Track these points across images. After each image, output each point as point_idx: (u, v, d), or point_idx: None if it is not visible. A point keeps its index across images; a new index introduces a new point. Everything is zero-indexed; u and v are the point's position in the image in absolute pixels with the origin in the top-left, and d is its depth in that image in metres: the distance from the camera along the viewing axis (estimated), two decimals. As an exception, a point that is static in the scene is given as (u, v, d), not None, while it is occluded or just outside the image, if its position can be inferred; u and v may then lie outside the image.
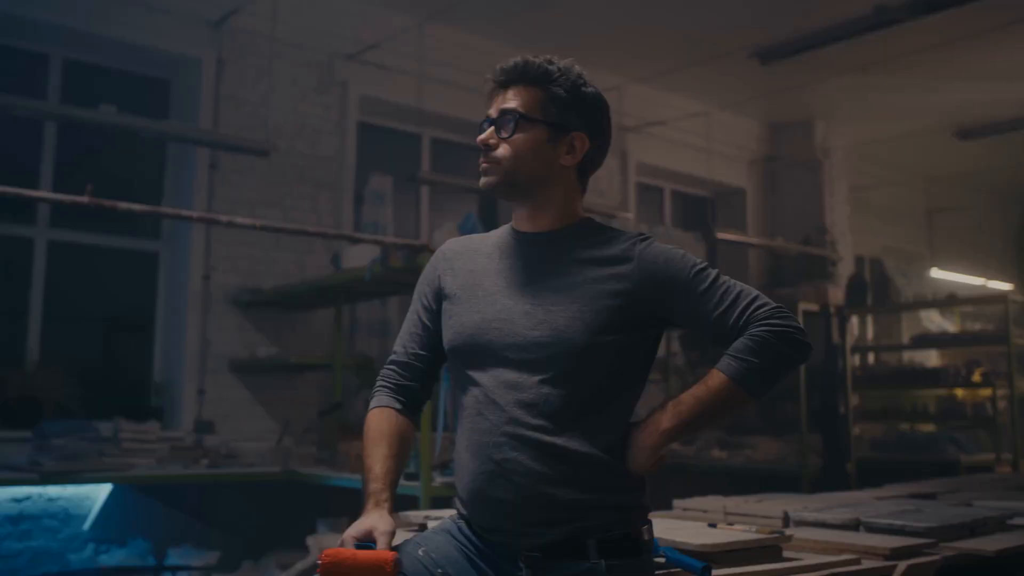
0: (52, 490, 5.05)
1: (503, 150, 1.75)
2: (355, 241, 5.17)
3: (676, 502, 3.24)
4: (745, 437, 6.96)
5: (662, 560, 2.11)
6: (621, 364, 1.71)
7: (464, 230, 4.94)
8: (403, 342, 1.89)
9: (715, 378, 1.68)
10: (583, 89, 1.79)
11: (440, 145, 7.01)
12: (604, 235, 1.79)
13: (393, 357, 1.89)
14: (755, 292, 1.72)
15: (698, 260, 1.74)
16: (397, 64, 6.24)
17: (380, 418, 1.81)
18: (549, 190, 1.79)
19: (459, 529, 1.76)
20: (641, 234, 1.78)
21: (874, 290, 8.68)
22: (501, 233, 1.89)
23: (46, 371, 5.28)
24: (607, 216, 7.28)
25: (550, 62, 1.77)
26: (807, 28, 6.00)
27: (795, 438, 6.01)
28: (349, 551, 1.52)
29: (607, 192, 7.60)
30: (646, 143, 7.89)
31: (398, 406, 1.83)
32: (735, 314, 1.68)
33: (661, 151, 8.03)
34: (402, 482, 3.98)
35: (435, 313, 1.86)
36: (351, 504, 1.65)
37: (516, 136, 1.75)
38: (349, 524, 1.69)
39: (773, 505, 3.02)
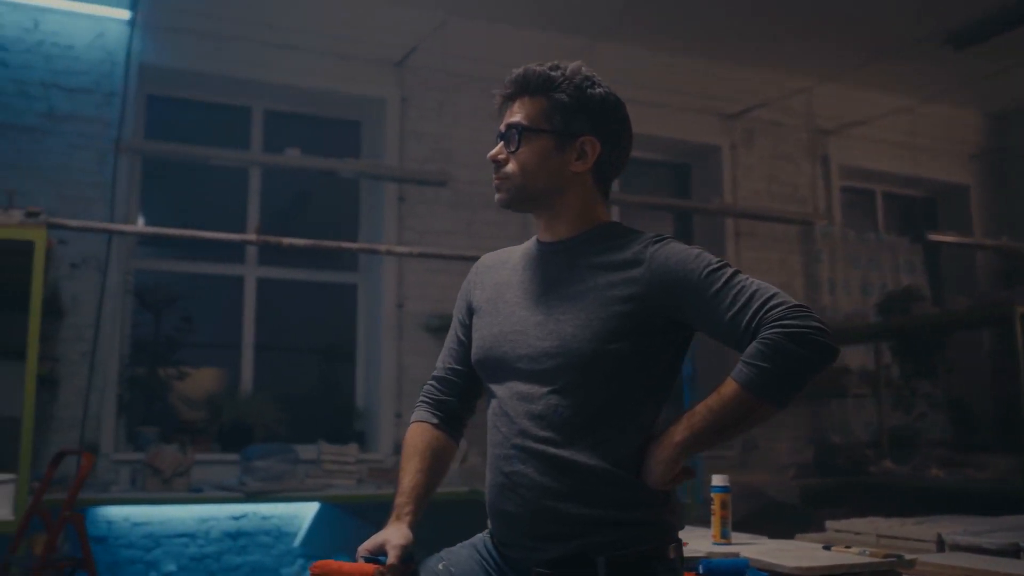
0: (265, 508, 5.45)
1: (512, 165, 1.74)
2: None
3: (829, 523, 3.03)
4: (972, 454, 6.36)
5: (745, 583, 2.00)
6: (636, 373, 1.63)
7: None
8: (442, 358, 1.91)
9: (728, 387, 1.56)
10: (589, 91, 1.73)
11: (632, 164, 6.93)
12: (622, 239, 1.72)
13: (434, 373, 1.92)
14: (773, 291, 1.58)
15: (714, 259, 1.63)
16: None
17: (415, 433, 1.84)
18: (563, 198, 1.75)
19: (483, 543, 1.75)
20: (657, 235, 1.69)
21: None
22: (528, 244, 1.87)
23: (257, 398, 5.72)
24: (806, 224, 6.96)
25: (554, 68, 1.74)
26: (1000, 5, 5.44)
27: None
28: (336, 564, 1.56)
29: (807, 199, 7.26)
30: (848, 145, 7.45)
31: (435, 420, 1.85)
32: (748, 316, 1.55)
33: (867, 152, 7.54)
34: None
35: (468, 327, 1.86)
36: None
37: (522, 149, 1.73)
38: None
39: (930, 528, 2.76)
